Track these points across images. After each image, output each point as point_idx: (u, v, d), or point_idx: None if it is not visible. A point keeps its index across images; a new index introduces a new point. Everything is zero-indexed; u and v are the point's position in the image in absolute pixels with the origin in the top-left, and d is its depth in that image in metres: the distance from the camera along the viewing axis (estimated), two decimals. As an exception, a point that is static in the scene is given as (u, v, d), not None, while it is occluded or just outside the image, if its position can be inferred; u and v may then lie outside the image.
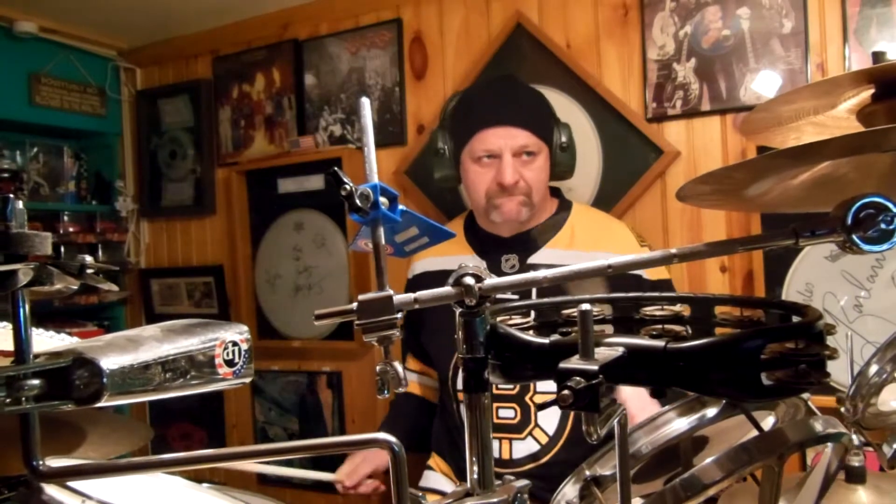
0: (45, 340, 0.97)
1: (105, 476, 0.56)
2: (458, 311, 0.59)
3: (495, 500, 0.57)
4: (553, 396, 0.48)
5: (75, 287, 0.50)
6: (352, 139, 2.38)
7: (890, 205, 0.49)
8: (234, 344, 0.54)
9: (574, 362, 0.49)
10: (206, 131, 2.67)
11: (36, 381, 0.45)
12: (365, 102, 0.60)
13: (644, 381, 0.54)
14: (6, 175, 2.40)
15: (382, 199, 0.57)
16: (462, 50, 2.19)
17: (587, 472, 0.85)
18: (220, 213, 2.67)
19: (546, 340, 0.58)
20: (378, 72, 2.33)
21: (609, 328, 0.75)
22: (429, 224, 0.64)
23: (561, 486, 0.86)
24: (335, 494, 2.32)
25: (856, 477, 0.94)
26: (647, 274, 1.54)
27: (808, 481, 0.73)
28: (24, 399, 0.44)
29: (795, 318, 0.63)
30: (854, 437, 0.85)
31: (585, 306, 0.50)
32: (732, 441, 0.75)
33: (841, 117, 0.81)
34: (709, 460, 0.59)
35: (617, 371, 0.51)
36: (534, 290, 1.36)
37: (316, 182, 2.42)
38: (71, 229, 2.67)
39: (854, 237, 0.49)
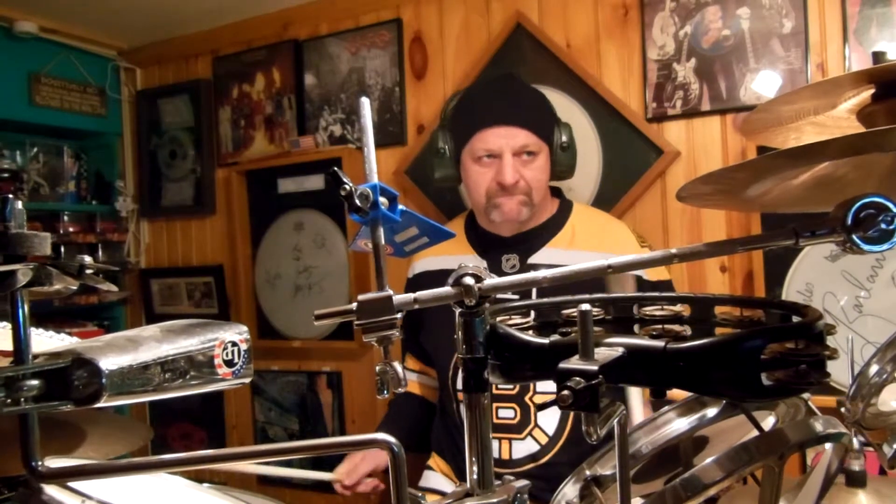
0: (44, 340, 0.97)
1: (104, 477, 0.56)
2: (457, 311, 0.59)
3: (495, 500, 0.57)
4: (553, 396, 0.48)
5: (74, 287, 0.50)
6: (352, 139, 2.38)
7: (890, 205, 0.49)
8: (234, 344, 0.54)
9: (574, 362, 0.49)
10: (206, 131, 2.67)
11: (35, 382, 0.45)
12: (365, 102, 0.60)
13: (644, 382, 0.54)
14: (6, 175, 2.40)
15: (382, 199, 0.57)
16: (462, 50, 2.19)
17: (587, 472, 0.85)
18: (220, 213, 2.67)
19: (545, 340, 0.58)
20: (378, 72, 2.33)
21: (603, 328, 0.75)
22: (428, 224, 0.64)
23: (561, 486, 0.86)
24: (335, 494, 2.32)
25: (856, 481, 0.94)
26: (648, 275, 1.53)
27: (808, 481, 0.73)
28: (22, 399, 0.44)
29: (795, 319, 0.63)
30: (854, 437, 0.85)
31: (585, 306, 0.50)
32: (733, 441, 0.75)
33: (841, 117, 0.81)
34: (709, 460, 0.59)
35: (617, 371, 0.51)
36: (534, 290, 1.36)
37: (316, 182, 2.41)
38: (71, 229, 2.67)
39: (854, 237, 0.49)
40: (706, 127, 1.89)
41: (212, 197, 2.68)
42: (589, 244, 1.57)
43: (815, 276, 1.73)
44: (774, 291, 1.78)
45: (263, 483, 2.42)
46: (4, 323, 0.54)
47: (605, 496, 0.82)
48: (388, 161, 2.30)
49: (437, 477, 1.65)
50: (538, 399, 1.48)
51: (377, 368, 0.57)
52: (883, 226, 0.49)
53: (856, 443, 0.88)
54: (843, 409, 0.85)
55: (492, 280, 0.57)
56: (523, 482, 0.60)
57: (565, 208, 1.66)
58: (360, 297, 0.57)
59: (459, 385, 0.61)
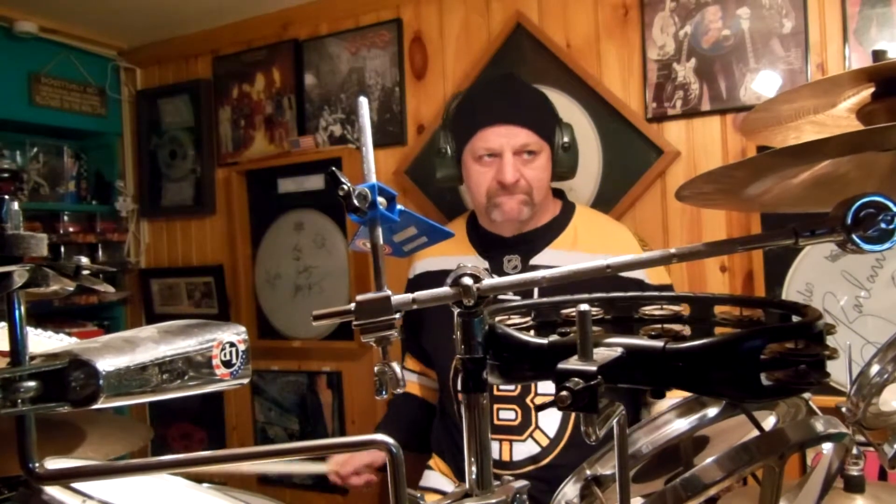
0: (43, 341, 0.97)
1: (102, 478, 0.56)
2: (456, 311, 0.59)
3: (494, 500, 0.57)
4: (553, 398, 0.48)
5: (71, 288, 0.50)
6: (352, 139, 2.38)
7: (890, 204, 0.48)
8: (232, 345, 0.54)
9: (572, 363, 0.49)
10: (206, 131, 2.67)
11: (32, 383, 0.45)
12: (363, 102, 0.60)
13: (643, 382, 0.54)
14: (6, 175, 2.40)
15: (380, 199, 0.57)
16: (462, 50, 2.19)
17: (587, 472, 0.85)
18: (220, 213, 2.67)
19: (544, 341, 0.58)
20: (378, 72, 2.33)
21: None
22: (427, 224, 0.64)
23: (561, 486, 0.86)
24: (335, 494, 2.31)
25: (854, 486, 0.94)
26: (649, 278, 1.53)
27: (808, 481, 0.73)
28: (19, 401, 0.44)
29: (795, 318, 0.63)
30: (854, 441, 0.85)
31: (584, 306, 0.50)
32: (733, 441, 0.75)
33: (841, 116, 0.80)
34: (709, 460, 0.59)
35: (616, 372, 0.51)
36: (535, 291, 1.35)
37: (316, 182, 2.41)
38: (71, 229, 2.67)
39: (854, 237, 0.49)
40: (706, 127, 1.88)
41: (212, 197, 2.68)
42: (591, 246, 1.57)
43: (815, 276, 1.73)
44: (774, 291, 1.77)
45: (263, 483, 2.42)
46: (1, 324, 0.54)
47: (605, 496, 0.82)
48: (388, 161, 2.30)
49: (437, 476, 1.65)
50: (539, 401, 1.47)
51: (376, 369, 0.57)
52: (883, 225, 0.48)
53: (854, 449, 0.87)
54: (843, 409, 0.85)
55: (490, 280, 0.57)
56: (522, 482, 0.60)
57: (568, 210, 1.65)
58: (359, 298, 0.56)
59: (460, 386, 0.61)
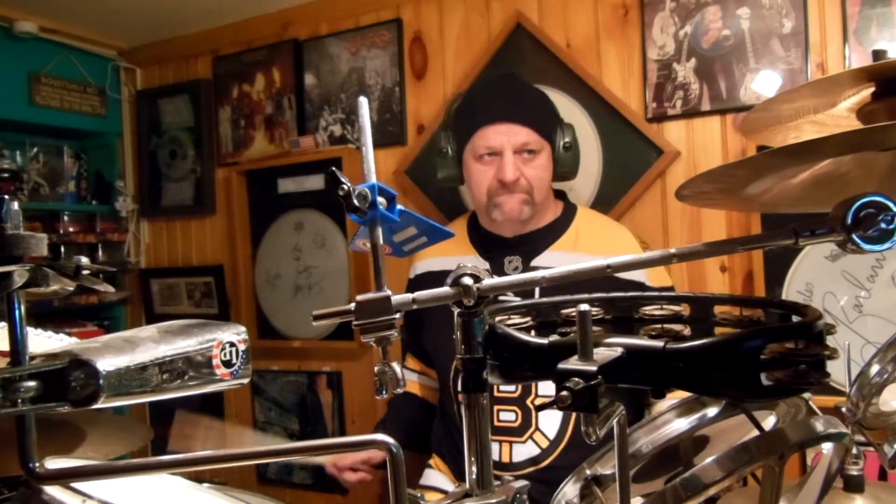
0: (43, 341, 0.97)
1: (102, 478, 0.56)
2: (456, 311, 0.59)
3: (494, 500, 0.57)
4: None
5: (71, 288, 0.50)
6: (352, 139, 2.38)
7: (890, 204, 0.48)
8: (232, 345, 0.54)
9: (573, 363, 0.49)
10: (206, 131, 2.67)
11: (32, 383, 0.44)
12: (362, 102, 0.60)
13: (643, 382, 0.54)
14: (6, 175, 2.40)
15: (380, 199, 0.57)
16: (462, 50, 2.19)
17: (587, 472, 0.85)
18: (220, 213, 2.67)
19: (544, 341, 0.58)
20: (378, 72, 2.33)
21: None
22: (427, 224, 0.64)
23: (561, 486, 0.86)
24: (335, 494, 2.32)
25: (854, 486, 0.94)
26: (650, 281, 1.53)
27: (808, 481, 0.73)
28: (19, 401, 0.44)
29: (795, 318, 0.63)
30: (853, 441, 0.85)
31: (584, 306, 0.50)
32: (733, 441, 0.75)
33: (841, 116, 0.80)
34: (709, 460, 0.59)
35: (616, 372, 0.51)
36: (536, 292, 1.35)
37: (316, 182, 2.41)
38: (71, 229, 2.68)
39: (854, 236, 0.49)
40: (706, 127, 1.88)
41: (212, 197, 2.68)
42: (593, 248, 1.56)
43: (815, 276, 1.73)
44: (774, 291, 1.77)
45: (263, 483, 2.43)
46: (1, 324, 0.54)
47: (605, 496, 0.82)
48: (388, 161, 2.30)
49: (437, 475, 1.65)
50: (540, 402, 1.47)
51: (376, 369, 0.57)
52: (883, 225, 0.48)
53: (854, 448, 0.87)
54: (843, 409, 0.85)
55: (490, 280, 0.57)
56: (522, 482, 0.60)
57: (569, 211, 1.65)
58: (359, 298, 0.56)
59: (460, 387, 0.61)
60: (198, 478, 1.12)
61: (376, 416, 2.33)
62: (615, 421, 0.53)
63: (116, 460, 0.88)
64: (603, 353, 0.52)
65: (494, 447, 1.48)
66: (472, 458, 0.59)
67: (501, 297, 1.25)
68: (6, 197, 0.46)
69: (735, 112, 1.83)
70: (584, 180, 1.95)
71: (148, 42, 2.76)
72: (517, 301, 0.77)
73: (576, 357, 0.50)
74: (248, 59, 2.58)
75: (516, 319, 0.73)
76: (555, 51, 2.03)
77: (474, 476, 0.59)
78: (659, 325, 0.71)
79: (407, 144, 2.29)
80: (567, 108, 1.97)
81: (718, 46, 1.84)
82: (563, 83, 2.02)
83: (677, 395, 0.79)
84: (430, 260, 1.69)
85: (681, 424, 0.89)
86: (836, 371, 0.75)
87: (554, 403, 0.47)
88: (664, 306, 0.72)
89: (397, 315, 0.57)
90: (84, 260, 0.50)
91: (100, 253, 2.80)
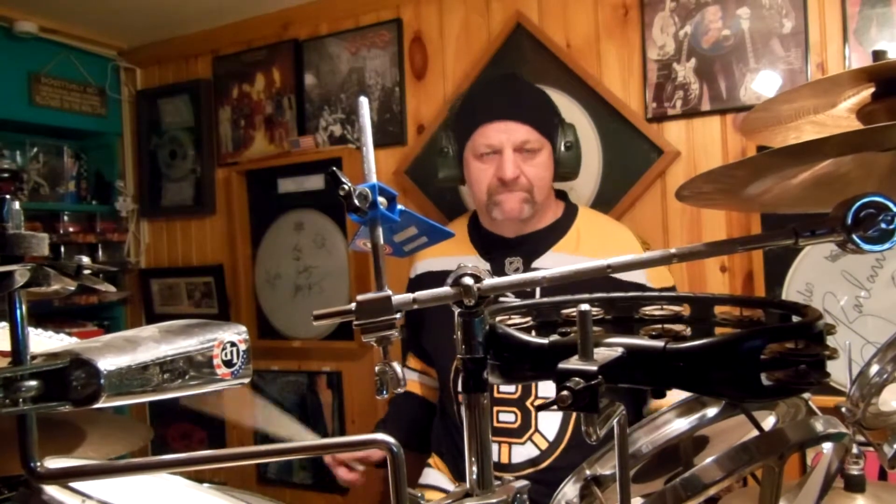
0: (43, 341, 0.97)
1: (102, 477, 0.56)
2: (456, 311, 0.59)
3: (494, 500, 0.57)
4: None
5: (72, 288, 0.50)
6: (352, 139, 2.38)
7: (890, 204, 0.48)
8: (233, 344, 0.54)
9: (573, 363, 0.49)
10: (206, 131, 2.67)
11: (33, 383, 0.45)
12: (363, 102, 0.60)
13: (644, 382, 0.54)
14: (6, 175, 2.39)
15: (381, 199, 0.57)
16: (462, 50, 2.19)
17: (587, 472, 0.85)
18: (220, 213, 2.67)
19: (545, 341, 0.58)
20: (378, 72, 2.33)
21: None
22: (427, 224, 0.64)
23: (561, 486, 0.86)
24: (335, 494, 2.32)
25: (855, 486, 0.94)
26: (652, 282, 1.52)
27: (808, 481, 0.73)
28: (21, 400, 0.44)
29: (795, 319, 0.63)
30: (853, 440, 0.85)
31: (584, 306, 0.50)
32: (733, 441, 0.75)
33: (841, 116, 0.80)
34: (709, 460, 0.59)
35: (616, 371, 0.51)
36: (538, 292, 1.35)
37: (316, 182, 2.41)
38: (71, 229, 2.67)
39: (854, 237, 0.49)
40: (706, 127, 1.88)
41: (212, 197, 2.68)
42: (594, 250, 1.56)
43: (815, 276, 1.73)
44: (774, 291, 1.77)
45: (263, 483, 2.43)
46: (3, 323, 0.54)
47: (605, 496, 0.82)
48: (388, 161, 2.30)
49: (436, 474, 1.65)
50: (539, 403, 1.47)
51: (376, 369, 0.57)
52: (883, 225, 0.49)
53: (855, 448, 0.88)
54: (843, 409, 0.85)
55: (491, 280, 0.57)
56: (523, 482, 0.60)
57: (570, 212, 1.65)
58: (359, 298, 0.56)
59: (460, 387, 0.61)
60: (198, 478, 1.12)
61: (376, 415, 2.33)
62: (615, 421, 0.53)
63: (116, 460, 0.88)
64: (603, 353, 0.52)
65: (494, 448, 1.48)
66: (473, 458, 0.59)
67: (502, 298, 1.25)
68: (7, 197, 0.46)
69: (735, 112, 1.83)
70: (584, 180, 1.95)
71: (148, 42, 2.76)
72: (518, 301, 0.77)
73: (576, 357, 0.50)
74: (248, 59, 2.58)
75: (517, 319, 0.73)
76: (555, 51, 2.03)
77: (475, 476, 0.59)
78: (659, 326, 0.71)
79: (407, 144, 2.29)
80: (567, 108, 1.97)
81: (718, 46, 1.84)
82: (563, 83, 2.02)
83: (677, 395, 0.79)
84: (431, 260, 1.69)
85: (681, 424, 0.89)
86: (836, 371, 0.75)
87: (554, 403, 0.48)
88: (664, 306, 0.72)
89: (398, 315, 0.57)
90: (85, 260, 0.50)
91: (100, 253, 2.80)
